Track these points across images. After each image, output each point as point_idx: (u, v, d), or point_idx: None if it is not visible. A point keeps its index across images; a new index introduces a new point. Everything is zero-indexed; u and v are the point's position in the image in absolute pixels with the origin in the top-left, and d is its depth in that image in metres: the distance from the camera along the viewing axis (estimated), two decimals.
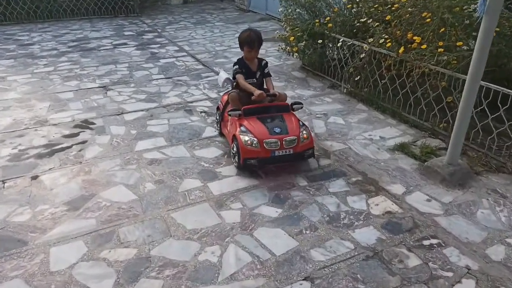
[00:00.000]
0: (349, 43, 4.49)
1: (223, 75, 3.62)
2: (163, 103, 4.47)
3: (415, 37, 3.68)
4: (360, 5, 4.80)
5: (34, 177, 3.07)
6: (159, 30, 8.00)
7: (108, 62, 5.94)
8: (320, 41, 4.77)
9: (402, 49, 3.69)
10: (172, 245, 2.41)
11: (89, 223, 2.58)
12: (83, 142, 3.61)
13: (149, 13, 9.82)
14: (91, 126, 3.92)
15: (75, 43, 6.98)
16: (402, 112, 4.01)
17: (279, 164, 3.14)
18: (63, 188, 2.94)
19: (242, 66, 3.34)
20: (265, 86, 3.47)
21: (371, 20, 4.36)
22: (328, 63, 5.00)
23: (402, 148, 3.46)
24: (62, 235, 2.47)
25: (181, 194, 2.88)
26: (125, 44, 6.97)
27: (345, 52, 4.60)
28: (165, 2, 11.13)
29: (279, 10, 5.45)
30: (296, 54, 4.97)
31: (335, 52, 4.91)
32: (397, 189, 2.95)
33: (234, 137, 3.09)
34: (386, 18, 4.13)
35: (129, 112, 4.23)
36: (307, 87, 4.96)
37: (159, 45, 6.92)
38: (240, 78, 3.30)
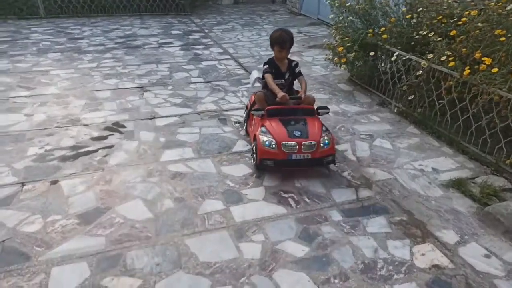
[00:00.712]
0: (404, 58, 4.02)
1: (255, 74, 3.62)
2: (198, 109, 4.26)
3: (484, 58, 3.17)
4: (421, 16, 4.31)
5: (54, 182, 2.94)
6: (206, 31, 7.87)
7: (150, 61, 5.85)
8: (372, 53, 4.34)
9: (467, 70, 3.19)
10: (181, 279, 2.14)
11: (98, 242, 2.38)
12: (110, 146, 3.46)
13: (199, 12, 9.76)
14: (121, 129, 3.78)
15: (122, 40, 7.00)
16: (461, 140, 3.50)
17: (297, 168, 3.06)
18: (80, 197, 2.79)
19: (272, 66, 3.31)
20: (295, 87, 3.48)
21: (432, 33, 3.87)
22: (379, 78, 4.56)
23: (458, 185, 2.98)
24: (68, 252, 2.30)
25: (200, 217, 2.62)
26: (170, 43, 6.88)
27: (400, 67, 4.14)
28: (216, 1, 11.05)
29: (330, 16, 5.06)
30: (344, 65, 4.57)
31: (388, 66, 4.46)
32: (449, 236, 2.50)
33: (255, 137, 3.06)
34: (451, 33, 3.63)
35: (162, 117, 4.06)
36: (353, 102, 4.55)
37: (203, 46, 6.76)
38: (268, 77, 3.25)
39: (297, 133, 2.94)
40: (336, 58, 4.65)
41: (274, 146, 2.91)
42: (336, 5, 4.73)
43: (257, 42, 7.04)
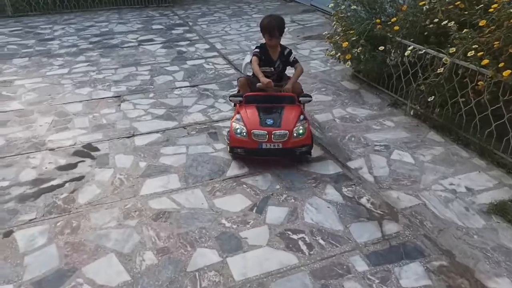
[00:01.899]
0: (421, 52, 3.46)
1: (247, 59, 3.45)
2: (184, 122, 3.68)
3: None
4: (433, 1, 3.74)
5: (7, 233, 2.37)
6: (191, 23, 7.20)
7: (129, 63, 5.22)
8: (381, 47, 3.76)
9: (508, 71, 2.64)
10: None
11: None
12: (79, 178, 2.89)
13: (182, 2, 9.02)
14: (93, 153, 3.20)
15: (97, 39, 6.32)
16: (495, 150, 2.98)
17: (268, 157, 2.97)
18: (39, 254, 2.22)
19: (262, 52, 3.16)
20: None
21: (448, 21, 3.31)
22: (389, 74, 3.99)
23: (501, 210, 2.47)
24: None
25: (190, 276, 2.08)
26: (151, 40, 6.22)
27: (414, 62, 3.57)
28: None
29: (329, 5, 4.46)
30: (349, 62, 3.99)
31: (399, 61, 3.90)
32: None
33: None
34: (480, 24, 3.06)
35: (142, 134, 3.47)
36: (361, 103, 3.99)
37: (188, 42, 6.12)
38: (254, 61, 3.10)
39: (269, 122, 2.85)
40: (339, 54, 4.07)
41: (245, 134, 2.85)
42: None
43: (247, 35, 6.41)
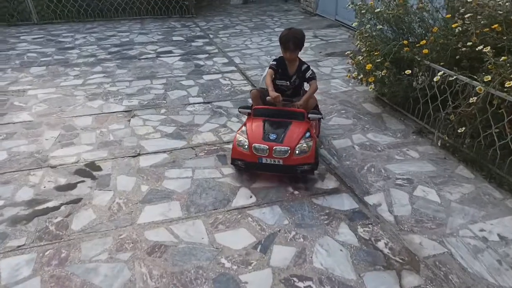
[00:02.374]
0: (451, 78, 3.17)
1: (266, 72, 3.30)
2: (193, 142, 3.49)
3: None
4: (467, 22, 3.45)
5: None
6: (211, 36, 7.09)
7: (144, 76, 5.11)
8: (408, 71, 3.48)
9: None
10: None
11: None
12: (77, 201, 2.73)
13: (205, 14, 8.98)
14: (95, 173, 3.04)
15: (116, 49, 6.27)
16: None
17: (268, 173, 2.89)
18: None
19: (279, 64, 3.11)
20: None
21: (488, 48, 3.01)
22: (415, 98, 3.70)
23: None
24: None
25: None
26: (169, 52, 6.13)
27: (443, 87, 3.28)
28: (223, 1, 10.25)
29: (354, 24, 4.21)
30: (372, 85, 3.72)
31: (427, 85, 3.60)
32: None
33: None
34: None
35: (148, 153, 3.31)
36: (383, 129, 3.71)
37: (207, 55, 5.99)
38: (268, 73, 3.07)
39: (272, 137, 2.78)
40: (362, 76, 3.81)
41: (246, 147, 2.80)
42: (362, 11, 3.88)
43: (267, 50, 6.23)
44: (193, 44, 6.60)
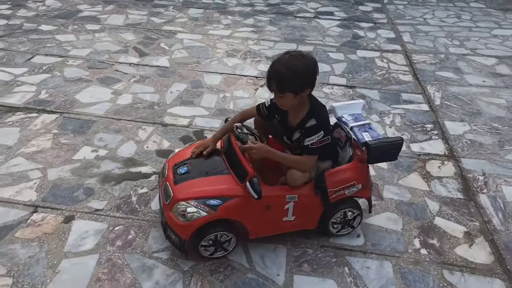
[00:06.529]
0: None
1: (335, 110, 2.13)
2: None
3: None
4: None
5: (68, 219, 2.14)
6: (386, 0, 6.01)
7: (292, 38, 4.58)
8: None
9: None
10: None
11: None
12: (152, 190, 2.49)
13: None
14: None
15: (276, 1, 5.82)
16: None
17: None
18: (76, 263, 1.91)
19: (276, 107, 1.90)
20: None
21: None
22: None
23: None
24: None
25: None
26: (330, 14, 5.40)
27: None
28: None
29: None
30: None
31: None
32: None
33: None
34: None
35: None
36: None
37: (371, 24, 5.07)
38: (250, 108, 2.10)
39: (181, 170, 1.97)
40: None
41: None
42: None
43: (451, 30, 4.92)
44: (360, 8, 5.70)
